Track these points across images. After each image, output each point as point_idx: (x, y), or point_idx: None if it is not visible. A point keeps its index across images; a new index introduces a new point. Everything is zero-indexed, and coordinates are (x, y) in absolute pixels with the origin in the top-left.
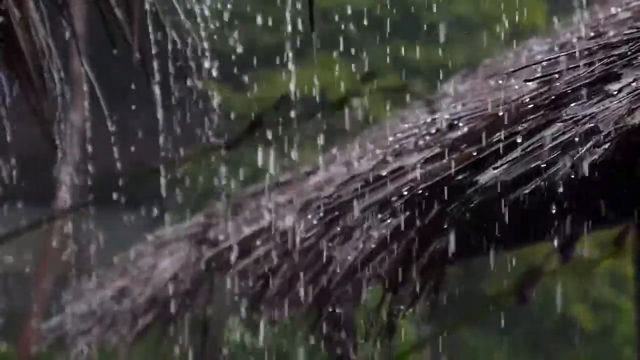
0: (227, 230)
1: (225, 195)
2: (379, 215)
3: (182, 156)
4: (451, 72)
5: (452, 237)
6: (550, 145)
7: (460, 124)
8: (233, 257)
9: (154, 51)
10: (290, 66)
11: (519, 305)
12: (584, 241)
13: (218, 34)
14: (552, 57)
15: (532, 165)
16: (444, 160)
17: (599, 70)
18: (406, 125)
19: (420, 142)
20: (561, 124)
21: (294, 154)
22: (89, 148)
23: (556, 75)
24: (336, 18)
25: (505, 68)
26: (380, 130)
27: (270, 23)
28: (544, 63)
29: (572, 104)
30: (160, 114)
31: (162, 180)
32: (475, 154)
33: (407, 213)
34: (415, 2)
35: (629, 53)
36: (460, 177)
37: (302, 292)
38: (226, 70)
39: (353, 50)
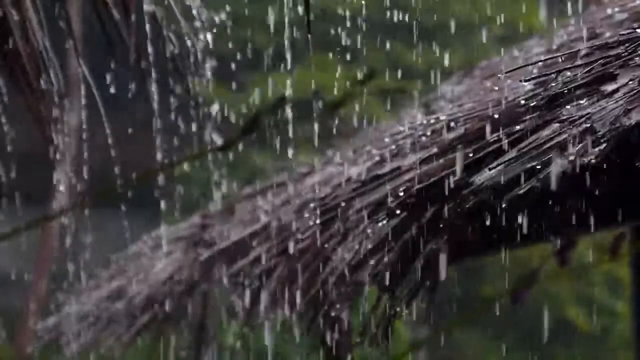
0: (223, 231)
1: (222, 196)
2: (376, 216)
3: (178, 157)
4: (448, 73)
5: (448, 239)
6: (547, 146)
7: (457, 125)
8: (229, 258)
9: (151, 52)
10: (287, 67)
11: (514, 305)
12: (581, 244)
13: (215, 35)
14: (548, 57)
15: (529, 166)
16: (441, 161)
17: (595, 71)
18: (403, 126)
19: (417, 143)
20: (557, 124)
21: (290, 155)
22: (86, 148)
23: (552, 76)
24: (333, 19)
25: (502, 69)
26: (377, 131)
27: (267, 25)
28: (540, 64)
29: (569, 105)
30: (156, 115)
31: (159, 181)
32: (471, 154)
33: (404, 214)
34: (412, 3)
35: (625, 54)
36: (456, 178)
37: (298, 293)
38: (223, 71)
39: (350, 52)
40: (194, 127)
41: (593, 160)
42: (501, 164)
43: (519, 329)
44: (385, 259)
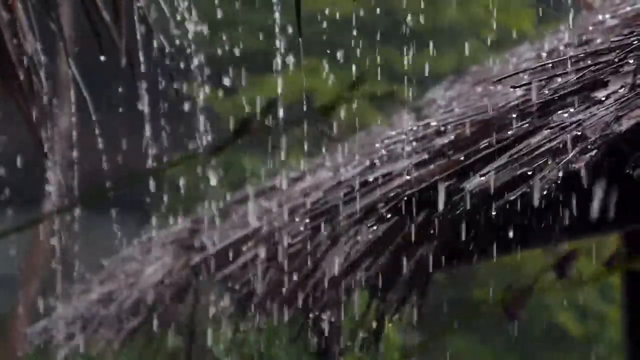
0: (214, 235)
1: (212, 200)
2: (366, 221)
3: (169, 160)
4: (439, 78)
5: (439, 244)
6: (538, 152)
7: (448, 131)
8: (219, 262)
9: (141, 54)
10: (278, 70)
11: (509, 321)
12: (580, 257)
13: (206, 37)
14: (539, 64)
15: (519, 172)
16: (432, 167)
17: (586, 77)
18: (394, 132)
19: (408, 148)
20: (548, 130)
21: (281, 159)
22: (76, 151)
23: (543, 82)
24: (325, 23)
25: (493, 75)
26: (368, 136)
27: (258, 27)
28: (531, 70)
29: (559, 111)
30: (147, 118)
31: (149, 185)
32: (462, 160)
33: (394, 219)
34: (404, 8)
35: (616, 60)
36: (447, 183)
37: (289, 298)
38: (214, 73)
39: (341, 56)
40: (184, 130)
41: (584, 167)
42: (492, 170)
43: (510, 334)
44: (376, 264)
